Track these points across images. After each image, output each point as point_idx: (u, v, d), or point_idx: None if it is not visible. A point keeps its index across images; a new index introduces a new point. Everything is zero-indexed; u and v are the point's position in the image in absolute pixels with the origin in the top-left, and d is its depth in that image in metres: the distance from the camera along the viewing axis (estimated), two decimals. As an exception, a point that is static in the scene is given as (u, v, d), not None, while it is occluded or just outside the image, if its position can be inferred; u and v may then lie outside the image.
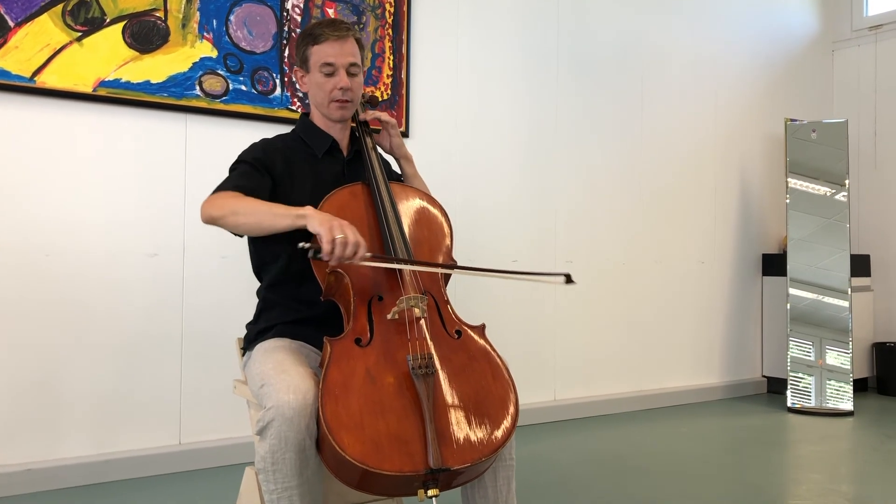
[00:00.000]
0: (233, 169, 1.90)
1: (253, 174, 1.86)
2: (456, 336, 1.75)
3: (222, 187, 1.82)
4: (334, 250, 1.59)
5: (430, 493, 1.52)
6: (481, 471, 1.64)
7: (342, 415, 1.53)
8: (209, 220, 1.77)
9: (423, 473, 1.51)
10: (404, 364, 1.63)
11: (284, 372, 1.62)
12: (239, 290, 3.05)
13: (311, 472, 1.59)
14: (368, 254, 1.65)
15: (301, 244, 1.61)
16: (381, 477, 1.50)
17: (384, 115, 2.07)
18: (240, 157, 1.92)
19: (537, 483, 2.87)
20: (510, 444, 1.73)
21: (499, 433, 1.61)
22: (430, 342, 1.69)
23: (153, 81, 2.86)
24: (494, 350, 1.77)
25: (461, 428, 1.59)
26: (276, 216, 1.71)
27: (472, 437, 1.58)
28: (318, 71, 1.91)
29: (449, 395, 1.62)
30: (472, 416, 1.61)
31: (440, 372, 1.65)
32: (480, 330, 1.81)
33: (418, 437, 1.54)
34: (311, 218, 1.65)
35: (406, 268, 1.77)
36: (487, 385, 1.68)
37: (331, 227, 1.60)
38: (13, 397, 2.66)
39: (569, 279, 1.74)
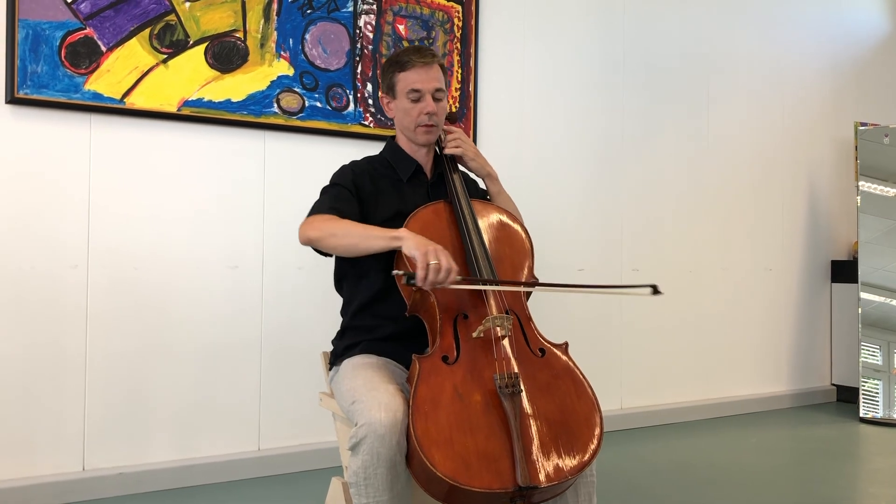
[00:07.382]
0: (325, 191, 1.98)
1: (346, 197, 1.92)
2: (540, 354, 1.79)
3: (318, 209, 1.89)
4: (428, 276, 1.64)
5: (517, 509, 1.57)
6: (565, 488, 1.68)
7: (432, 431, 1.58)
8: (307, 242, 1.84)
9: (512, 491, 1.55)
10: (491, 382, 1.67)
11: (375, 389, 1.69)
12: (316, 302, 3.14)
13: (401, 486, 1.65)
14: (459, 277, 1.69)
15: (395, 271, 1.67)
16: (470, 493, 1.55)
17: (455, 150, 2.06)
18: (333, 179, 2.00)
19: (604, 493, 2.89)
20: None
21: (585, 452, 1.65)
22: (514, 361, 1.74)
23: (234, 100, 2.96)
24: (577, 368, 1.80)
25: (548, 446, 1.63)
26: (371, 237, 1.77)
27: (559, 456, 1.62)
28: (405, 97, 1.98)
29: (535, 414, 1.66)
30: (558, 435, 1.65)
31: (526, 391, 1.69)
32: (563, 348, 1.84)
33: (506, 455, 1.58)
34: (407, 240, 1.70)
35: (492, 288, 1.81)
36: (572, 403, 1.72)
37: (426, 252, 1.65)
38: (106, 404, 2.79)
39: (656, 290, 1.72)
